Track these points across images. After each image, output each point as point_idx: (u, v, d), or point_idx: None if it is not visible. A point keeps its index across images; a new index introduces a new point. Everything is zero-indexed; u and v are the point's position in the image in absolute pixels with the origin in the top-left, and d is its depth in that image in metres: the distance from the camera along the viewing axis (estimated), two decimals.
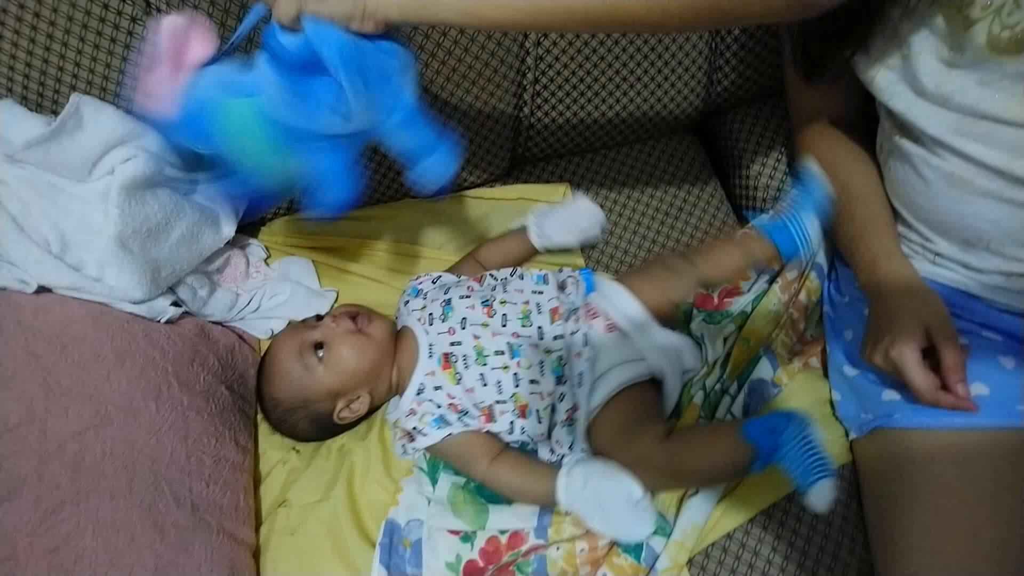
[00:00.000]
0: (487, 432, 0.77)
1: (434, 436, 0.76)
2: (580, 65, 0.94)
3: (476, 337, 0.78)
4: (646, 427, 0.75)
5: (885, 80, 0.70)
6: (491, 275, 0.86)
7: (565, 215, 0.93)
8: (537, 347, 0.77)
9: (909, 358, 0.68)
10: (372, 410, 0.85)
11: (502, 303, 0.80)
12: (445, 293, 0.83)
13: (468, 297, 0.81)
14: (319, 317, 0.84)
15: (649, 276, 0.85)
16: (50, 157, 0.76)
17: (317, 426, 0.82)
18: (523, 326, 0.79)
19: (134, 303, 0.77)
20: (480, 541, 0.76)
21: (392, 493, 0.79)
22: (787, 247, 0.83)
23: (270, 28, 0.58)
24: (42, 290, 0.73)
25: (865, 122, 0.84)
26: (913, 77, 0.67)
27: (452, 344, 0.78)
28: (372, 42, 0.58)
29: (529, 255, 0.94)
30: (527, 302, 0.81)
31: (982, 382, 0.69)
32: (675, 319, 0.87)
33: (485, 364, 0.77)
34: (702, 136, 1.11)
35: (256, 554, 0.76)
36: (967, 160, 0.65)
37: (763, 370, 0.84)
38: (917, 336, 0.68)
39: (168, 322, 0.79)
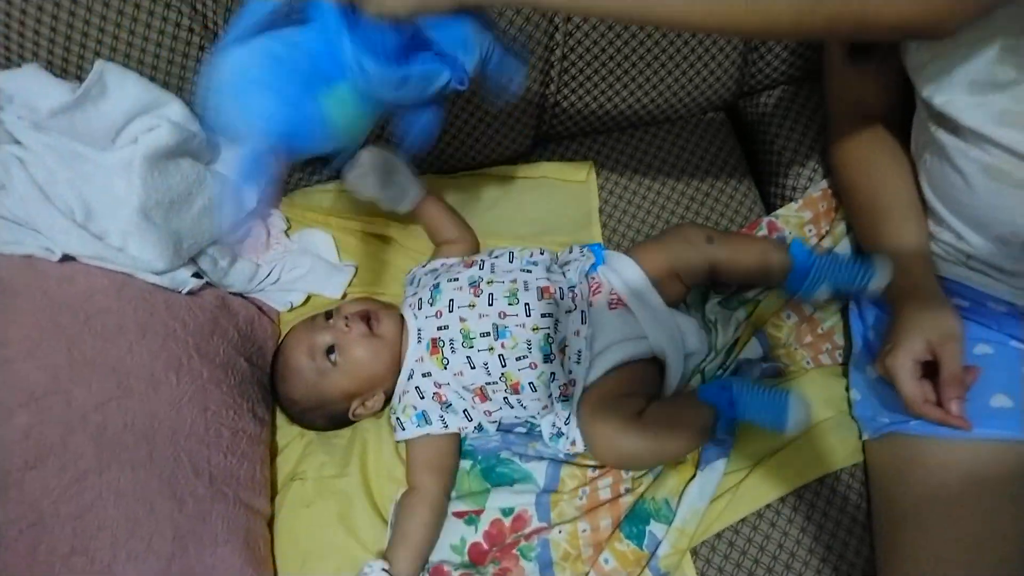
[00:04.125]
0: (456, 437, 0.80)
1: (411, 432, 0.79)
2: (610, 42, 0.91)
3: (463, 320, 0.78)
4: (630, 401, 0.76)
5: (921, 65, 0.67)
6: (482, 258, 0.85)
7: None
8: (524, 327, 0.77)
9: (900, 368, 0.68)
10: (387, 398, 0.85)
11: (489, 283, 0.80)
12: (435, 278, 0.83)
13: (456, 280, 0.81)
14: (328, 315, 0.82)
15: (661, 242, 0.84)
16: (75, 125, 0.76)
17: (333, 423, 0.84)
18: (510, 304, 0.78)
19: (156, 273, 0.78)
20: (484, 524, 0.78)
21: (403, 473, 0.80)
22: (797, 278, 0.80)
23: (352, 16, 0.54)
24: (66, 259, 0.74)
25: (904, 115, 0.80)
26: (963, 60, 0.63)
27: (439, 328, 0.78)
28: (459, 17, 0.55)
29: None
30: (515, 280, 0.80)
31: (1005, 394, 0.68)
32: (685, 300, 0.87)
33: (472, 347, 0.77)
34: (733, 116, 1.07)
35: (270, 524, 0.78)
36: (1008, 152, 0.63)
37: (751, 350, 0.83)
38: (914, 348, 0.68)
39: (189, 293, 0.80)
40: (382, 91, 0.55)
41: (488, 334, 0.77)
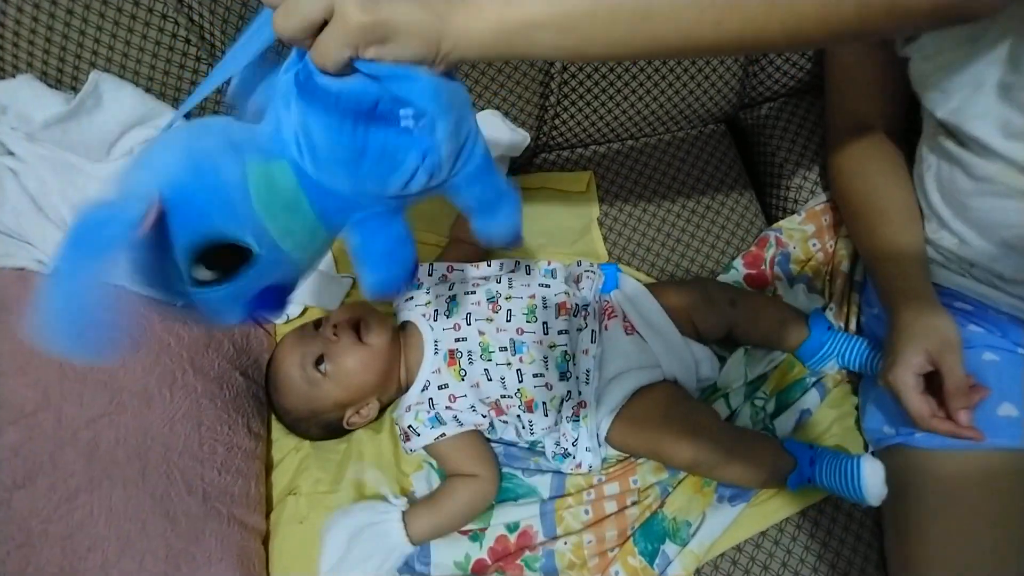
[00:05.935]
0: (478, 432, 0.79)
1: (428, 436, 0.77)
2: None
3: (481, 333, 0.77)
4: (698, 406, 0.78)
5: (925, 76, 0.66)
6: (497, 272, 0.83)
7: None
8: (541, 344, 0.76)
9: (902, 383, 0.67)
10: (383, 407, 0.84)
11: (507, 299, 0.79)
12: (450, 289, 0.82)
13: (473, 293, 0.80)
14: (317, 324, 0.80)
15: (683, 291, 0.83)
16: (68, 136, 0.76)
17: (328, 431, 0.82)
18: (528, 321, 0.77)
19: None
20: (489, 540, 0.77)
21: (396, 489, 0.79)
22: (810, 350, 0.82)
23: (304, 70, 0.42)
24: None
25: (904, 124, 0.80)
26: (966, 71, 0.63)
27: (457, 340, 0.77)
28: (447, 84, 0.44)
29: None
30: (532, 296, 0.79)
31: (1011, 403, 0.68)
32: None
33: (490, 360, 0.76)
34: (733, 128, 1.07)
35: (265, 540, 0.77)
36: (1010, 163, 0.62)
37: (810, 399, 0.82)
38: (915, 361, 0.67)
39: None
40: (330, 171, 0.43)
41: (506, 349, 0.76)
